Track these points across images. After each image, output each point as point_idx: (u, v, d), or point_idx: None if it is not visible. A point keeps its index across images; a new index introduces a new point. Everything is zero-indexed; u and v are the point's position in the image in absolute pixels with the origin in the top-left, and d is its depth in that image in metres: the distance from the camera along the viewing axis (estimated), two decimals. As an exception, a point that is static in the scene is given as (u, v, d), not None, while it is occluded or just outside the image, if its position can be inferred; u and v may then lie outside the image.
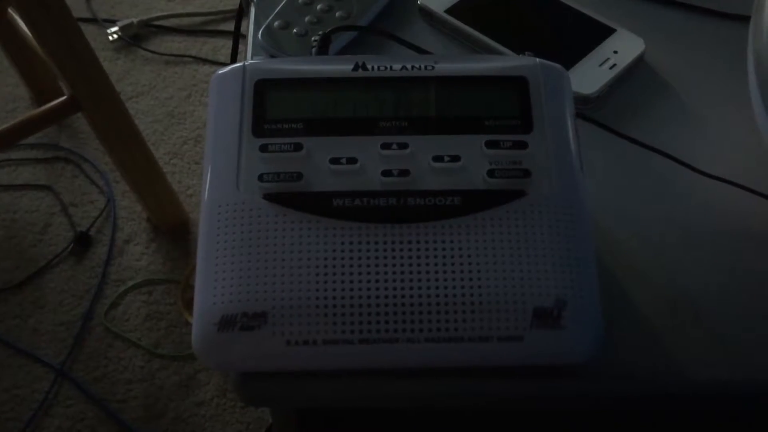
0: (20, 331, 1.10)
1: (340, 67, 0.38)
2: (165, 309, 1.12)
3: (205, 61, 1.43)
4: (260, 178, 0.35)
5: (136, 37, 1.47)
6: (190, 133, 1.33)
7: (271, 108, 0.37)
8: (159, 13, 1.51)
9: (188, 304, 1.12)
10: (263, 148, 0.36)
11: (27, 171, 1.29)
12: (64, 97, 1.00)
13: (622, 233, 0.41)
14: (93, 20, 1.50)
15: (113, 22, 1.48)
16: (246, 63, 0.38)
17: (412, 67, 0.38)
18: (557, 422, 0.42)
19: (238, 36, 0.53)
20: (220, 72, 0.38)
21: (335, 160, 0.35)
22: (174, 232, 1.20)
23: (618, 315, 0.37)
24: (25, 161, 1.30)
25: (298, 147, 0.36)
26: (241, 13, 0.53)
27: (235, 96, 0.37)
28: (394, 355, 0.33)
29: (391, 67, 0.38)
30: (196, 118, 1.35)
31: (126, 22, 1.47)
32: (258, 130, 0.36)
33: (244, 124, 0.37)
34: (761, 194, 0.41)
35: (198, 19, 1.52)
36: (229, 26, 1.50)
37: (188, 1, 1.54)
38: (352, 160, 0.35)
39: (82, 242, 1.19)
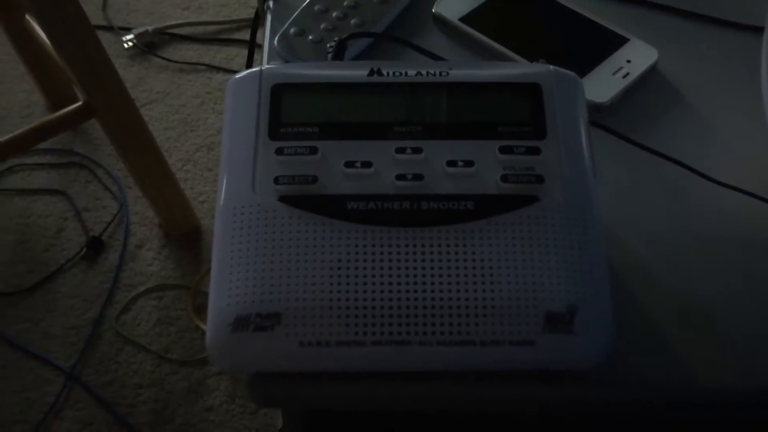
0: (31, 335, 1.11)
1: (356, 72, 0.38)
2: (175, 314, 1.13)
3: (218, 69, 1.45)
4: (276, 180, 0.35)
5: (150, 44, 1.48)
6: (203, 141, 1.34)
7: (287, 112, 0.37)
8: (174, 22, 1.52)
9: (198, 310, 1.12)
10: (279, 151, 0.36)
11: (41, 176, 1.30)
12: (79, 103, 1.01)
13: (634, 240, 0.41)
14: (109, 28, 1.51)
15: (128, 30, 1.49)
16: (263, 68, 0.39)
17: (427, 73, 0.38)
18: (566, 427, 0.42)
19: (254, 41, 0.53)
20: (236, 76, 0.39)
21: (350, 164, 0.36)
22: (185, 238, 1.21)
23: (629, 321, 0.38)
24: (39, 166, 1.31)
25: (313, 150, 0.36)
26: (257, 20, 0.53)
27: (251, 100, 0.38)
28: (406, 358, 0.33)
29: (405, 73, 0.38)
30: (209, 125, 1.36)
31: (141, 30, 1.48)
32: (274, 133, 0.37)
33: (261, 127, 0.37)
34: (773, 203, 0.41)
35: (212, 28, 1.53)
36: (244, 35, 1.51)
37: (203, 10, 1.56)
38: (366, 164, 0.36)
39: (95, 247, 1.19)
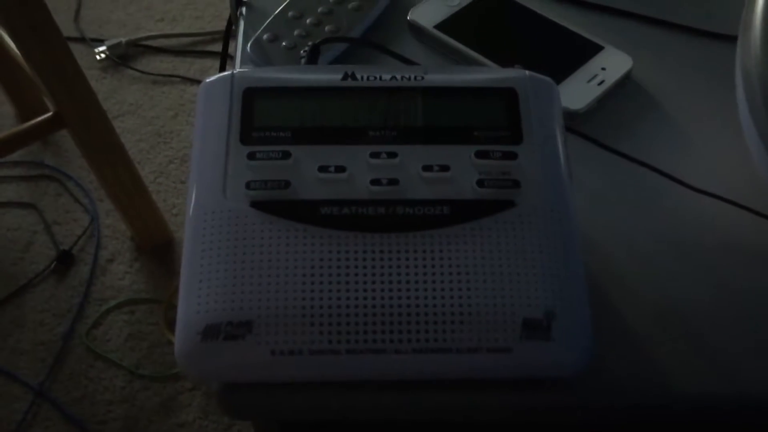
0: (-1, 351, 1.09)
1: (329, 76, 0.38)
2: (147, 329, 1.11)
3: (192, 81, 1.43)
4: (248, 185, 0.35)
5: (124, 56, 1.47)
6: (176, 153, 1.33)
7: (259, 116, 0.37)
8: (147, 33, 1.51)
9: (171, 324, 1.10)
10: (251, 156, 0.35)
11: (10, 188, 1.27)
12: (49, 114, 0.99)
13: (611, 246, 0.41)
14: (81, 39, 1.49)
15: (101, 42, 1.48)
16: (234, 71, 0.38)
17: (402, 77, 0.38)
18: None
19: (227, 48, 0.53)
20: (208, 80, 0.38)
21: (323, 169, 0.35)
22: (158, 251, 1.19)
23: (606, 327, 0.37)
24: (8, 179, 1.29)
25: (286, 155, 0.35)
26: (230, 26, 0.53)
27: (223, 104, 0.37)
28: (381, 366, 0.33)
29: (380, 77, 0.38)
30: (183, 137, 1.35)
31: (114, 41, 1.47)
32: (246, 137, 0.36)
33: (232, 131, 0.36)
34: (747, 208, 0.41)
35: (186, 40, 1.52)
36: (217, 47, 1.50)
37: (177, 22, 1.55)
38: (340, 169, 0.35)
39: (65, 261, 1.17)
